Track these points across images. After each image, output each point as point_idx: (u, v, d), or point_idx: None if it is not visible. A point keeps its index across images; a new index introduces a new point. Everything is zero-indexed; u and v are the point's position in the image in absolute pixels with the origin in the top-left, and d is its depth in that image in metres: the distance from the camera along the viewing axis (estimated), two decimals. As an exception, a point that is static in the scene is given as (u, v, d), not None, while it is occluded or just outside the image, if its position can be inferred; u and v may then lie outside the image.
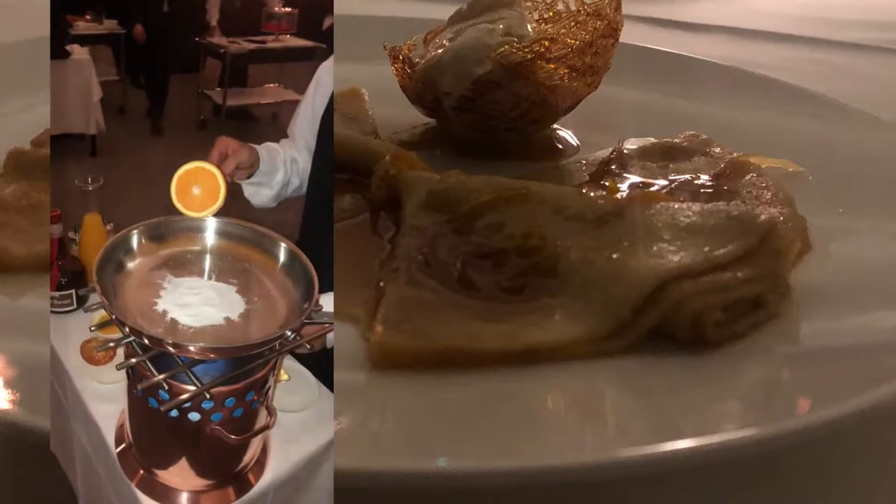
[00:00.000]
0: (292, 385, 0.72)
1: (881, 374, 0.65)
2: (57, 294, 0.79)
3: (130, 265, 0.65)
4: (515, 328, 0.72)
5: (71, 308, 0.80)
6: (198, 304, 0.62)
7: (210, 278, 0.65)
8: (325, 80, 0.82)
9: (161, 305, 0.61)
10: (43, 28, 1.12)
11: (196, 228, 0.68)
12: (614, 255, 0.76)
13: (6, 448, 0.63)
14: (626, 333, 0.72)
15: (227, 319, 0.61)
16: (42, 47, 1.17)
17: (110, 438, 0.66)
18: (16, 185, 0.92)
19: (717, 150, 1.07)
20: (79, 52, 2.34)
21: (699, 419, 0.65)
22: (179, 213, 0.67)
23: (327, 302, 0.67)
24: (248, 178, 0.78)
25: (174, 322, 0.60)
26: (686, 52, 1.42)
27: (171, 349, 0.57)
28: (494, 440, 0.61)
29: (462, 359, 0.69)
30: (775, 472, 0.65)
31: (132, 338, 0.59)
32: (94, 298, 0.66)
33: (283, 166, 0.79)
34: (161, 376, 0.58)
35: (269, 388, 0.63)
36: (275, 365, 0.62)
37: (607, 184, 0.99)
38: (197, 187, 0.65)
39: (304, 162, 0.81)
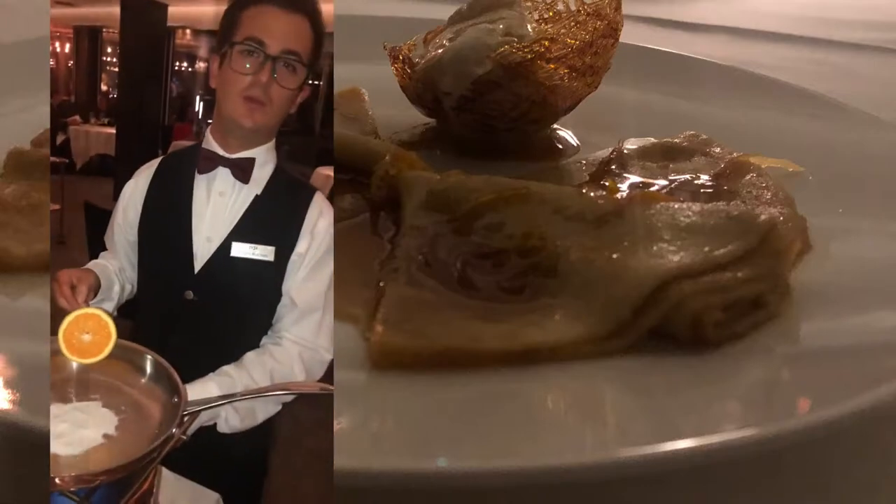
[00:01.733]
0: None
1: (881, 374, 0.65)
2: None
3: None
4: (515, 328, 0.72)
5: None
6: (71, 431, 0.59)
7: (70, 401, 0.62)
8: (132, 192, 0.81)
9: None
10: (43, 28, 1.12)
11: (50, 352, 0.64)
12: (614, 255, 0.76)
13: (6, 448, 0.63)
14: (626, 333, 0.72)
15: (106, 436, 0.59)
16: (42, 47, 1.17)
17: None
18: (16, 185, 0.92)
19: (717, 150, 1.07)
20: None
21: (699, 419, 0.65)
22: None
23: (200, 389, 0.68)
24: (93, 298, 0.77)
25: (55, 457, 0.56)
26: (686, 52, 1.42)
27: (60, 484, 0.54)
28: (494, 440, 0.61)
29: (462, 359, 0.69)
30: (775, 472, 0.65)
31: None
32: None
33: (116, 277, 0.80)
34: None
35: (156, 495, 0.61)
36: (156, 468, 0.61)
37: (607, 184, 0.99)
38: (87, 334, 0.61)
39: (129, 270, 0.81)
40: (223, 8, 0.76)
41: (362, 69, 1.16)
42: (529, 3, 1.11)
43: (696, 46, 1.59)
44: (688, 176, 1.01)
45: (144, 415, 0.61)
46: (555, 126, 1.14)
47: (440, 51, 1.06)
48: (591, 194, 0.90)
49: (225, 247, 0.76)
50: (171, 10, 3.66)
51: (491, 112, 1.05)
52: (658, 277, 0.73)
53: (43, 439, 0.57)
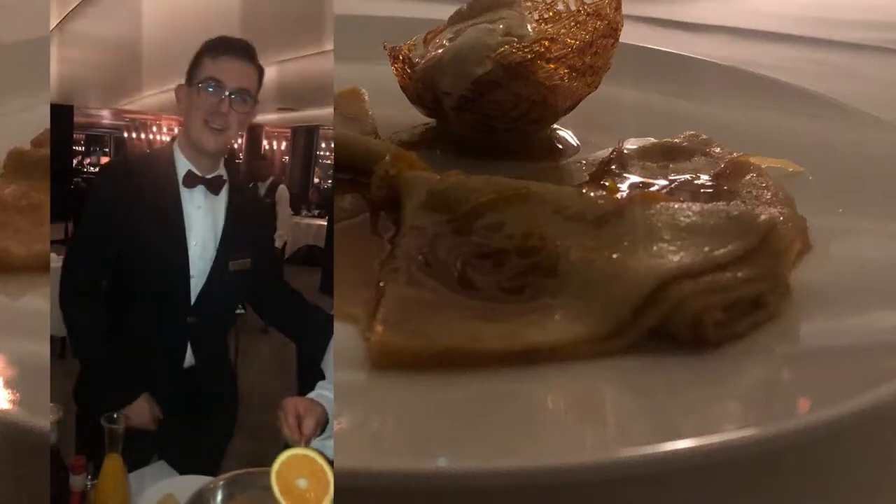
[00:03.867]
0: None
1: (881, 374, 0.65)
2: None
3: None
4: (515, 328, 0.72)
5: None
6: None
7: None
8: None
9: None
10: (43, 28, 1.12)
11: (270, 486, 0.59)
12: (614, 255, 0.76)
13: (6, 448, 0.63)
14: (626, 333, 0.72)
15: None
16: (42, 47, 1.17)
17: None
18: (16, 185, 0.92)
19: (717, 150, 1.07)
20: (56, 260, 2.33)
21: (699, 419, 0.65)
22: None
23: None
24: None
25: None
26: (686, 52, 1.42)
27: None
28: (494, 440, 0.61)
29: (462, 359, 0.69)
30: (775, 472, 0.65)
31: None
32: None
33: None
34: None
35: None
36: None
37: (607, 184, 0.99)
38: (302, 479, 0.56)
39: None
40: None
41: (362, 69, 1.16)
42: (529, 3, 1.11)
43: (696, 46, 1.59)
44: (688, 176, 1.01)
45: None
46: (555, 126, 1.14)
47: (440, 51, 1.06)
48: (591, 194, 0.90)
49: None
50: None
51: (491, 112, 1.05)
52: (658, 277, 0.73)
53: (43, 439, 0.57)
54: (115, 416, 0.66)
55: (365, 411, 0.65)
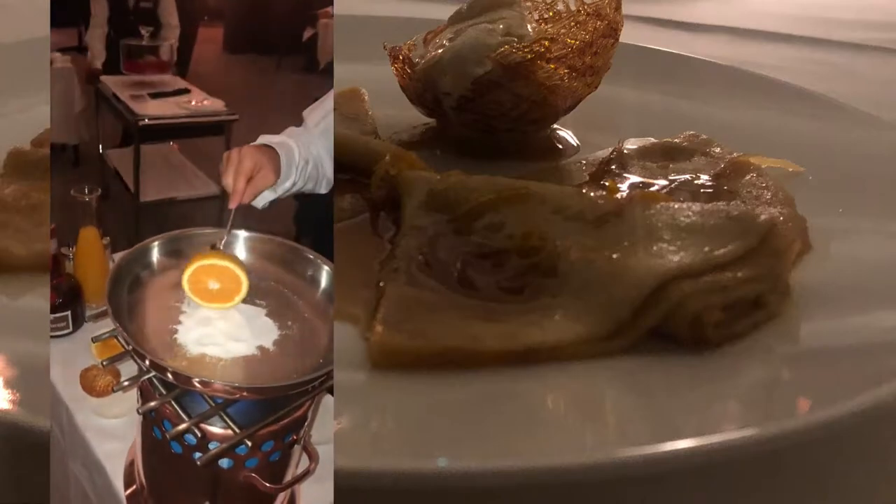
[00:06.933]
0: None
1: (881, 374, 0.65)
2: (51, 316, 0.69)
3: (146, 284, 0.59)
4: (515, 328, 0.72)
5: (66, 331, 0.71)
6: (225, 332, 0.55)
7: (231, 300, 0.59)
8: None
9: (182, 333, 0.55)
10: (43, 28, 1.12)
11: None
12: (614, 255, 0.76)
13: (6, 448, 0.63)
14: (626, 333, 0.72)
15: (261, 348, 0.55)
16: (42, 47, 1.17)
17: (118, 480, 0.60)
18: (16, 185, 0.92)
19: (717, 150, 1.07)
20: (60, 60, 2.27)
21: (699, 419, 0.65)
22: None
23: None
24: None
25: (201, 354, 0.53)
26: (686, 52, 1.42)
27: (199, 387, 0.50)
28: (494, 440, 0.61)
29: (462, 359, 0.69)
30: (775, 472, 0.65)
31: (152, 373, 0.51)
32: (102, 326, 0.59)
33: (295, 171, 0.71)
34: (191, 421, 0.51)
35: (308, 427, 0.57)
36: (315, 400, 0.56)
37: (607, 184, 0.99)
38: (214, 282, 0.57)
39: (315, 159, 0.73)
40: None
41: (362, 69, 1.16)
42: (529, 3, 1.11)
43: (696, 46, 1.59)
44: (688, 176, 1.01)
45: (311, 337, 0.57)
46: (555, 126, 1.14)
47: (440, 51, 1.06)
48: (591, 194, 0.90)
49: None
50: None
51: (491, 112, 1.05)
52: (658, 277, 0.73)
53: (43, 439, 0.57)
54: (86, 188, 0.69)
55: (365, 411, 0.65)
